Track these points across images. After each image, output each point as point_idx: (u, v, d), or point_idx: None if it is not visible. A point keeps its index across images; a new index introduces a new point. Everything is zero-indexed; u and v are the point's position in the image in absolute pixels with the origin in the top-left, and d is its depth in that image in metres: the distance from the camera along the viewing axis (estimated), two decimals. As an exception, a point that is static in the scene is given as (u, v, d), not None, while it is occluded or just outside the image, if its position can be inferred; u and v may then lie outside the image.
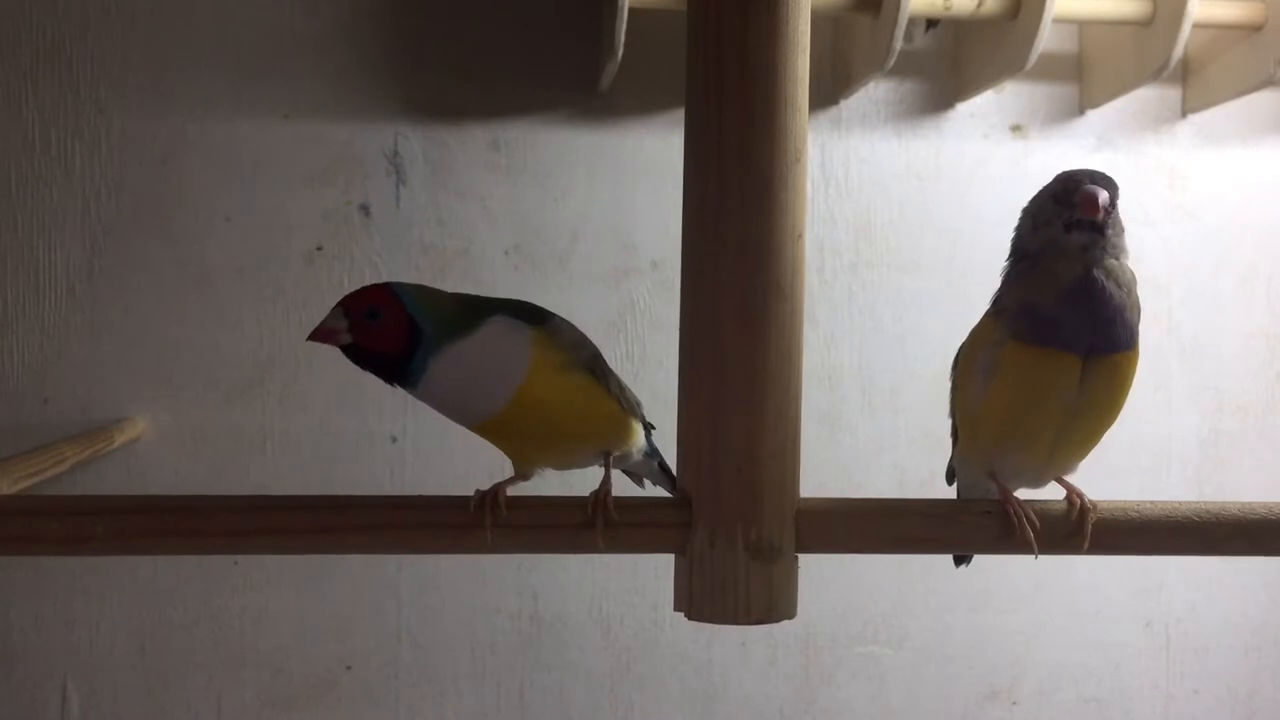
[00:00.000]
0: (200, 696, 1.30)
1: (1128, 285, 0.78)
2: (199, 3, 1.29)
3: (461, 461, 1.32)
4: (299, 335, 1.30)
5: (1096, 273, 0.76)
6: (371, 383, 1.30)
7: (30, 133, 1.27)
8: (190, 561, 1.28)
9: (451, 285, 1.32)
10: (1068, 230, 0.77)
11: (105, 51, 1.28)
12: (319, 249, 1.31)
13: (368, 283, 1.31)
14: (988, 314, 0.82)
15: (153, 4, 1.28)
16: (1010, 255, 0.82)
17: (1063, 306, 0.76)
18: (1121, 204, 0.79)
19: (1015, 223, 0.82)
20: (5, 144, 1.26)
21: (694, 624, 0.76)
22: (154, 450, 1.28)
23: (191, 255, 1.29)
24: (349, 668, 1.32)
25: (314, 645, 1.31)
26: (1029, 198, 0.82)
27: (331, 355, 1.30)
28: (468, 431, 1.32)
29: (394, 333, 0.74)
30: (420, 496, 0.77)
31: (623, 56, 1.20)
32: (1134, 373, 0.79)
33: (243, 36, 1.29)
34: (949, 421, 0.91)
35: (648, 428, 0.87)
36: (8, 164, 1.26)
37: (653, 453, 0.89)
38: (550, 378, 0.76)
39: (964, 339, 0.85)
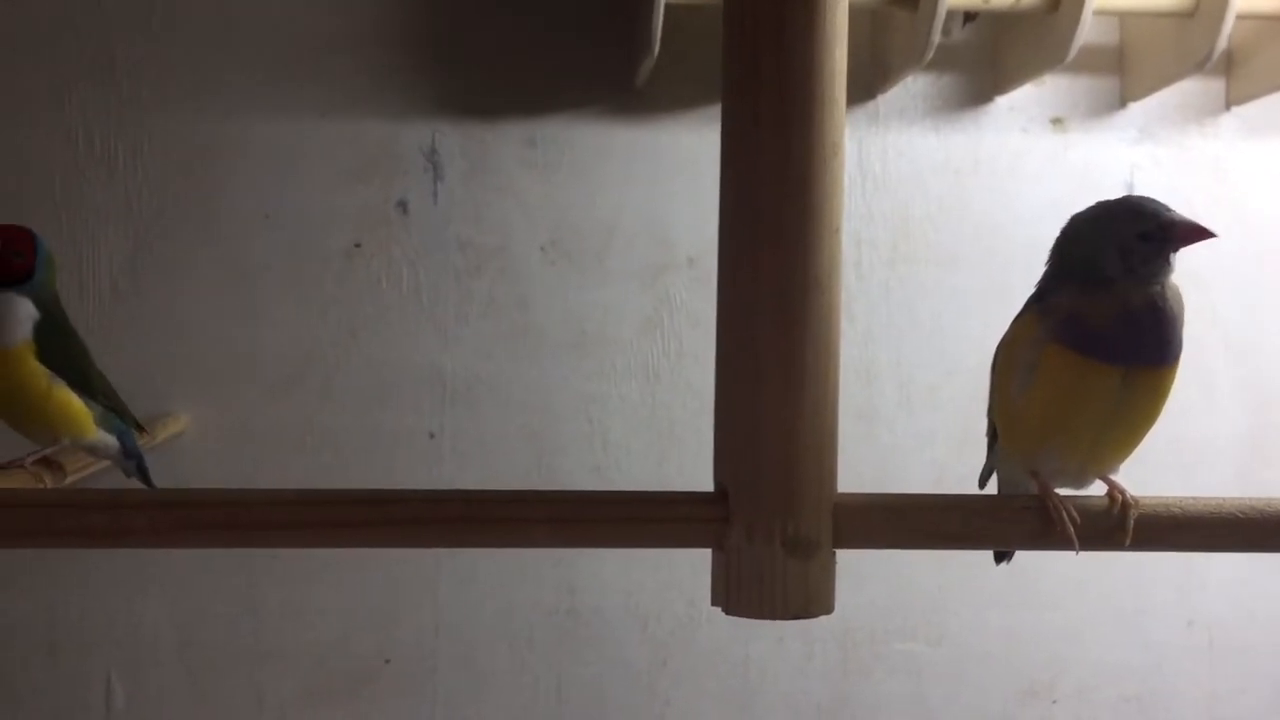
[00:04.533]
0: (241, 688, 1.31)
1: (1181, 303, 0.78)
2: (238, 4, 1.30)
3: (498, 456, 1.33)
4: (338, 332, 1.31)
5: (1165, 292, 0.76)
6: (410, 379, 1.31)
7: (74, 132, 1.28)
8: (232, 555, 1.30)
9: (488, 281, 1.33)
10: (1164, 258, 0.77)
11: (147, 52, 1.29)
12: (357, 246, 1.31)
13: (404, 279, 1.33)
14: (1030, 310, 0.81)
15: (193, 6, 1.29)
16: (1068, 265, 0.81)
17: (1120, 325, 0.76)
18: (1164, 199, 0.79)
19: (1072, 235, 0.82)
20: (50, 143, 1.28)
21: (731, 619, 0.76)
22: (196, 445, 1.29)
23: (232, 252, 1.30)
24: (388, 661, 1.33)
25: (353, 639, 1.32)
26: (1093, 216, 0.81)
27: (370, 352, 1.31)
28: (505, 427, 1.32)
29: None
30: (459, 490, 0.77)
31: (659, 52, 1.20)
32: (1174, 382, 0.79)
33: (281, 36, 1.30)
34: (985, 420, 0.90)
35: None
36: (52, 163, 1.28)
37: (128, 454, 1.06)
38: (9, 363, 0.96)
39: (1003, 335, 0.84)
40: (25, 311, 0.97)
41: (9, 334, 0.96)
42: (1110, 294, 0.77)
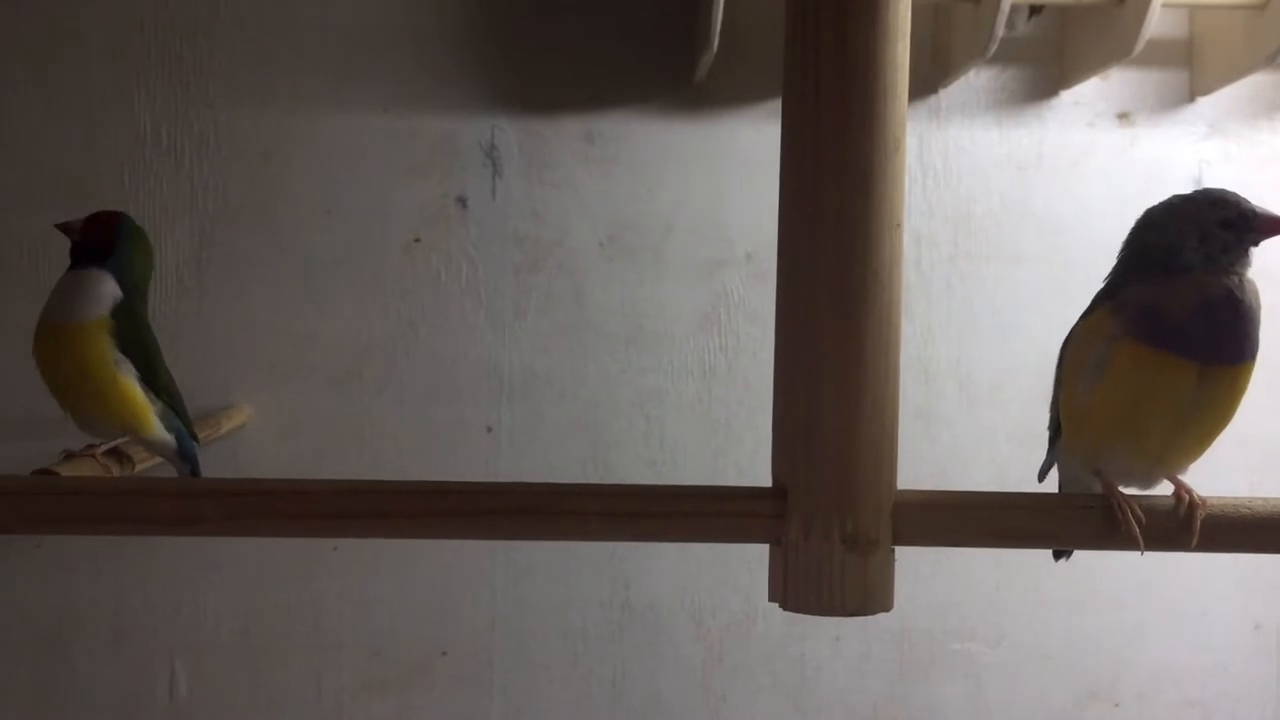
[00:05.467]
0: (300, 677, 1.33)
1: (1258, 298, 0.76)
2: (302, 2, 1.31)
3: (554, 451, 1.33)
4: (398, 325, 1.32)
5: (1244, 285, 0.75)
6: (467, 374, 1.33)
7: (141, 127, 1.31)
8: (291, 547, 1.31)
9: (546, 276, 1.34)
10: (1244, 249, 0.76)
11: (213, 49, 1.31)
12: (417, 240, 1.33)
13: (463, 273, 1.34)
14: (1101, 307, 0.80)
15: (258, 3, 1.31)
16: (1143, 256, 0.80)
17: (1197, 317, 0.74)
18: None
19: (1147, 224, 0.80)
20: (118, 137, 1.31)
21: (786, 617, 0.76)
22: (258, 437, 1.31)
23: (294, 246, 1.32)
24: (444, 653, 1.34)
25: (410, 630, 1.33)
26: (1171, 205, 0.79)
27: (429, 346, 1.32)
28: (562, 422, 1.33)
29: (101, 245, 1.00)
30: (519, 482, 0.78)
31: (718, 47, 1.19)
32: (1249, 381, 0.77)
33: (343, 33, 1.32)
34: (1048, 417, 0.89)
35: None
36: (120, 157, 1.31)
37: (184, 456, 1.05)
38: (84, 339, 0.95)
39: (1069, 332, 0.83)
40: (106, 289, 0.97)
41: (86, 309, 0.95)
42: (1187, 284, 0.75)
